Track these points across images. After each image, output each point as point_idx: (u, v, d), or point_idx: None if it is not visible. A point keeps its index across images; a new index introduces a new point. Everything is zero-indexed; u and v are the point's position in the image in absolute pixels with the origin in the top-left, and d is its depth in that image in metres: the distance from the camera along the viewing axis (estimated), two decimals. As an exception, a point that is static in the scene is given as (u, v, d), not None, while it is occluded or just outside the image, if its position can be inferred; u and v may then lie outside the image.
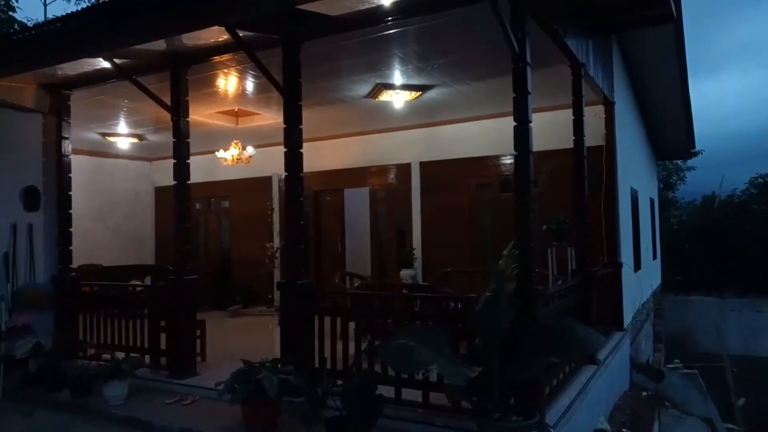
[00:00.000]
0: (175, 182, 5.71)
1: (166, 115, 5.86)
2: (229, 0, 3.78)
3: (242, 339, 8.01)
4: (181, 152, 5.72)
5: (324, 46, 5.24)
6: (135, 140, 10.01)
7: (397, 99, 7.16)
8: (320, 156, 10.27)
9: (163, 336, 5.80)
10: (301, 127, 5.00)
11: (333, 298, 5.00)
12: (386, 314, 4.79)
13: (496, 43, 4.65)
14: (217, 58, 5.55)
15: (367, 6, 4.45)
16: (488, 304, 3.75)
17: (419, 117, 8.73)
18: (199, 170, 11.13)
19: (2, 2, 12.39)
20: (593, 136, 6.49)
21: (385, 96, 7.05)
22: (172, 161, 5.70)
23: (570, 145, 6.14)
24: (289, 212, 4.87)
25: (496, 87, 6.98)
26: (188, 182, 5.76)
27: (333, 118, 8.76)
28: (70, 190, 6.66)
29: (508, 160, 8.49)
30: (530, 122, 3.98)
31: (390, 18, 4.63)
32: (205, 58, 5.54)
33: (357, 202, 10.39)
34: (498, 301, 3.69)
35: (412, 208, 9.44)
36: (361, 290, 6.27)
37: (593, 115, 6.92)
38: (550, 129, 7.15)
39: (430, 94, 7.21)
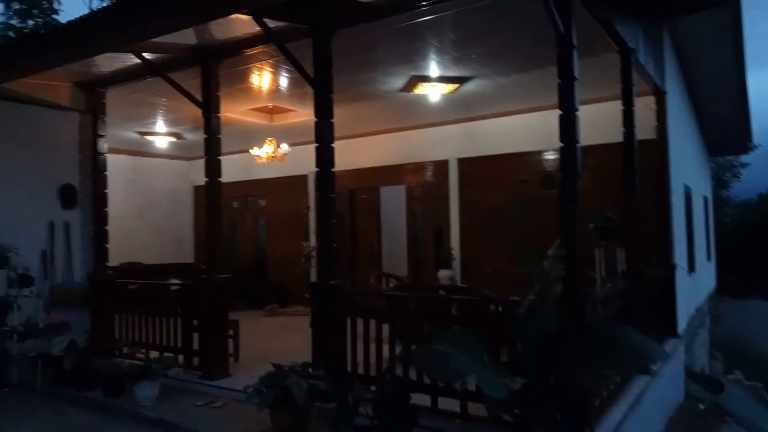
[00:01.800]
0: (207, 179, 5.62)
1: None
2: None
3: (277, 339, 7.88)
4: (212, 149, 5.62)
5: (356, 36, 5.03)
6: (173, 139, 10.06)
7: (433, 92, 6.88)
8: (355, 154, 10.06)
9: (196, 336, 5.72)
10: (332, 120, 4.81)
11: (366, 300, 4.77)
12: (421, 317, 4.55)
13: (539, 29, 4.33)
14: (247, 52, 5.42)
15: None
16: (532, 308, 3.45)
17: (457, 111, 8.43)
18: (236, 169, 11.28)
19: (45, 4, 12.74)
20: (641, 129, 6.04)
21: (421, 89, 6.79)
22: None
23: (614, 139, 5.75)
24: (320, 210, 4.69)
25: (539, 78, 6.62)
26: (220, 179, 5.66)
27: (367, 114, 8.55)
28: (106, 188, 6.67)
29: (550, 156, 8.09)
30: (577, 110, 3.66)
31: (424, 3, 4.38)
32: (235, 51, 5.42)
33: (393, 200, 10.17)
34: (542, 305, 3.39)
35: (449, 206, 9.14)
36: (395, 291, 6.04)
37: (643, 106, 6.47)
38: (593, 123, 6.64)
39: (468, 86, 6.91)
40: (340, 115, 8.28)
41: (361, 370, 4.58)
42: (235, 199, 12.12)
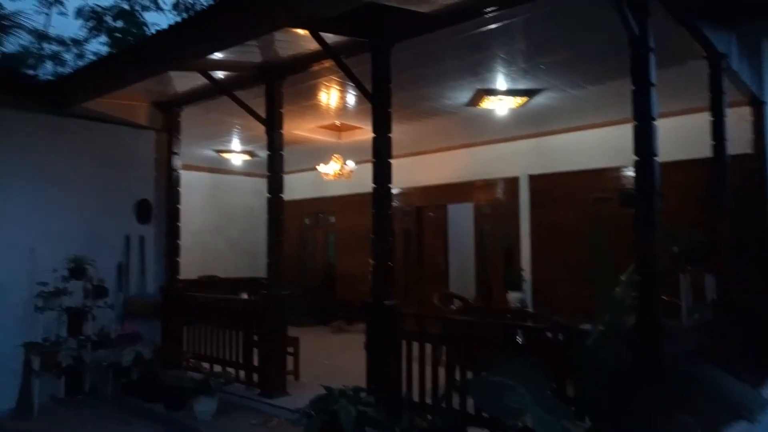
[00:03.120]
0: (269, 196, 5.67)
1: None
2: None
3: (341, 357, 7.79)
4: (275, 165, 5.66)
5: (417, 48, 4.89)
6: (247, 157, 10.35)
7: (501, 106, 6.59)
8: (423, 170, 9.93)
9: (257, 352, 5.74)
10: (390, 135, 4.67)
11: (422, 322, 4.55)
12: (480, 344, 4.27)
13: (614, 36, 3.99)
14: (310, 68, 5.41)
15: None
16: (600, 341, 3.12)
17: (527, 126, 8.07)
18: (308, 186, 11.48)
19: (137, 31, 13.73)
20: (737, 143, 5.45)
21: (488, 103, 6.52)
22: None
23: (704, 154, 5.20)
24: (376, 227, 4.54)
25: (616, 89, 6.12)
26: (282, 196, 5.70)
27: (434, 130, 8.39)
28: (179, 204, 6.91)
29: (629, 172, 7.50)
30: (654, 119, 3.30)
31: (489, 10, 4.15)
32: (298, 68, 5.44)
33: (461, 218, 9.88)
34: (613, 338, 3.04)
35: (520, 224, 8.73)
36: (453, 315, 5.77)
37: (738, 118, 5.85)
38: (679, 136, 6.22)
39: (539, 99, 6.57)
40: (407, 131, 8.27)
41: (417, 396, 4.36)
42: (307, 216, 12.31)
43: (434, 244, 10.11)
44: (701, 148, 5.34)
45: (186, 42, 4.19)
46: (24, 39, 14.79)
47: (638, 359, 2.99)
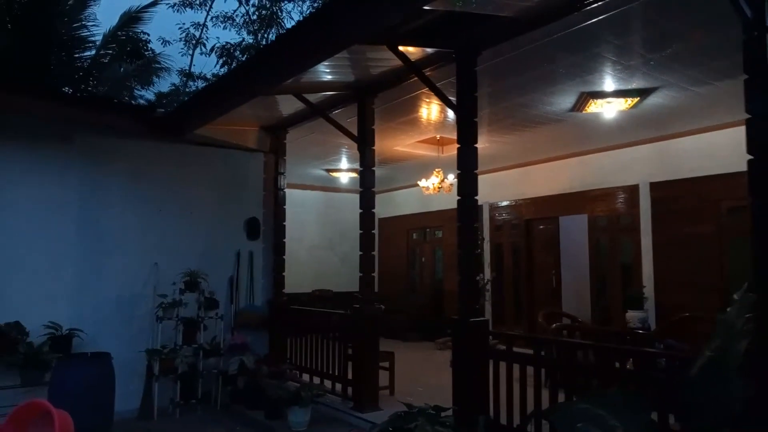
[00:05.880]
0: (361, 211, 5.73)
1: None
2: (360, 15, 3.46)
3: (441, 374, 7.56)
4: (366, 182, 5.74)
5: (508, 55, 4.70)
6: (354, 174, 10.63)
7: (609, 109, 6.08)
8: (531, 182, 9.51)
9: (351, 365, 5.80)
10: (476, 146, 4.50)
11: (510, 341, 4.27)
12: (574, 368, 3.90)
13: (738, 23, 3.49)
14: (402, 83, 5.41)
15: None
16: (709, 369, 2.66)
17: (646, 129, 7.37)
18: (415, 201, 11.50)
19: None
20: None
21: (594, 107, 6.06)
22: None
23: None
24: (461, 240, 4.37)
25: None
26: (374, 211, 5.77)
27: (541, 139, 7.97)
28: (285, 221, 7.27)
29: (773, 176, 6.52)
30: (773, 112, 2.81)
31: (584, 3, 3.83)
32: (389, 84, 5.48)
33: (574, 231, 9.25)
34: (722, 368, 2.58)
35: (641, 237, 7.95)
36: (546, 335, 5.35)
37: None
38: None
39: (653, 99, 5.97)
40: (512, 141, 7.98)
41: (505, 419, 4.09)
42: (414, 231, 12.31)
43: (545, 259, 9.57)
44: None
45: (264, 70, 4.40)
46: (174, 79, 16.74)
47: (756, 396, 2.52)
